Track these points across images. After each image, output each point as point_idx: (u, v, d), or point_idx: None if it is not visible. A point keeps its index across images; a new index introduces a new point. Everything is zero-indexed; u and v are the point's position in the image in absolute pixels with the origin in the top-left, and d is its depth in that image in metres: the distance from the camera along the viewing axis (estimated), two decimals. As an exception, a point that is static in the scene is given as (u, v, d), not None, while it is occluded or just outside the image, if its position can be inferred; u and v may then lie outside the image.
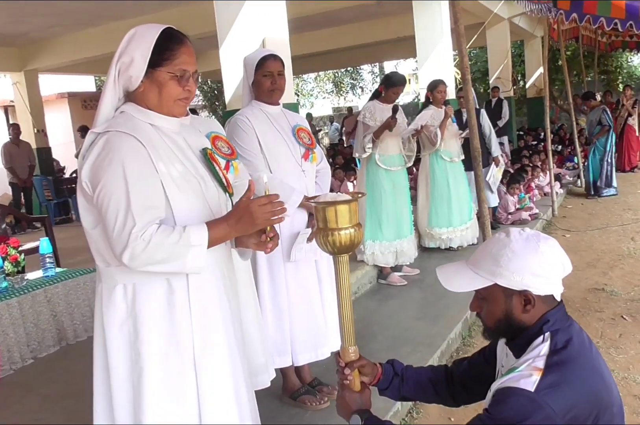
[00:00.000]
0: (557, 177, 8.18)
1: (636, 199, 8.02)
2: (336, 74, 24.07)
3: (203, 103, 20.11)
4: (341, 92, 25.05)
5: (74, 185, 10.43)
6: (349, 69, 22.61)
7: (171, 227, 1.44)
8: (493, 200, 6.27)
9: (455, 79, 6.53)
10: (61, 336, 3.75)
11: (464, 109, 5.82)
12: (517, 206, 6.59)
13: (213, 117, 21.39)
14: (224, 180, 1.67)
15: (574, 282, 4.72)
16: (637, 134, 10.41)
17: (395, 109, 4.15)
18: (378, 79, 23.64)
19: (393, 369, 1.66)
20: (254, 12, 3.51)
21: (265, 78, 2.55)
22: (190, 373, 1.54)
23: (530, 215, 6.49)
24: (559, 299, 1.42)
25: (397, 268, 4.66)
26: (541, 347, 1.34)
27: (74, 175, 10.82)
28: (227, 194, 1.72)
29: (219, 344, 1.60)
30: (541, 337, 1.37)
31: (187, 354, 1.54)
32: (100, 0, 7.11)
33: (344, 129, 13.22)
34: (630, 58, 19.49)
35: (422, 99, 7.02)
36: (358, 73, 24.20)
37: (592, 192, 8.40)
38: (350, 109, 16.70)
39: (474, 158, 2.73)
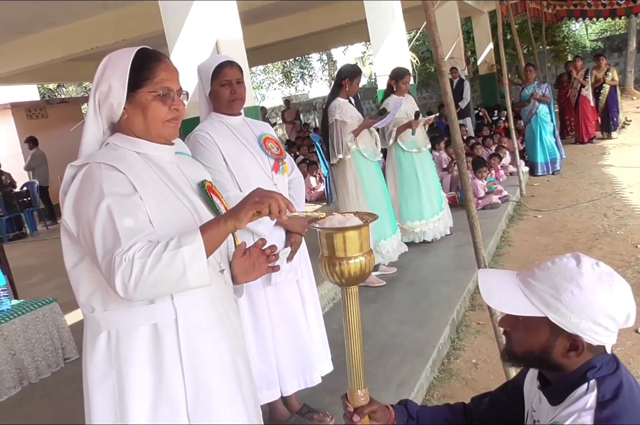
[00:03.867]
0: (521, 155, 8.07)
1: (600, 171, 8.00)
2: (285, 64, 23.77)
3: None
4: (292, 82, 24.79)
5: (25, 199, 10.03)
6: (297, 58, 22.31)
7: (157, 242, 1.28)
8: None
9: (412, 63, 6.33)
10: (22, 376, 3.46)
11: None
12: (486, 190, 6.47)
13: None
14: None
15: (554, 266, 4.61)
16: (591, 104, 10.40)
17: (382, 112, 4.00)
18: (327, 66, 23.48)
19: (407, 411, 1.48)
20: (204, 12, 3.21)
21: (223, 88, 2.30)
22: None
23: (500, 198, 6.39)
24: (609, 352, 1.22)
25: (374, 267, 4.47)
26: (587, 398, 1.14)
27: (25, 188, 10.38)
28: None
29: (216, 396, 1.41)
30: (585, 385, 1.17)
31: (180, 411, 1.37)
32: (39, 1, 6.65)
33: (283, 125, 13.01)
34: (574, 27, 19.72)
35: (378, 84, 6.83)
36: (307, 62, 23.97)
37: (552, 171, 8.25)
38: (287, 101, 16.50)
39: (457, 155, 2.52)
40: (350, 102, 4.26)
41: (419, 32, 8.24)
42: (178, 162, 1.55)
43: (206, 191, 1.53)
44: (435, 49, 2.41)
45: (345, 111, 4.16)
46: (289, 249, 2.36)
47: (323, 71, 23.57)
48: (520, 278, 1.24)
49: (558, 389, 1.21)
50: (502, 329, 1.33)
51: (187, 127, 2.49)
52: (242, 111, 2.44)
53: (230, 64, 2.30)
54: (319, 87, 25.13)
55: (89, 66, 11.33)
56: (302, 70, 24.33)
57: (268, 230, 2.31)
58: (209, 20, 3.23)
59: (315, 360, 2.52)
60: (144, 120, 1.43)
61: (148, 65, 1.43)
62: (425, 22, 6.62)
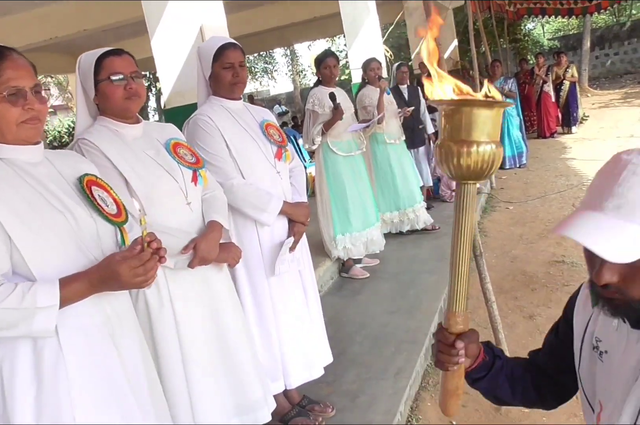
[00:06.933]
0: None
1: (564, 164, 8.19)
2: (248, 59, 23.63)
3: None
4: (255, 78, 24.62)
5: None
6: (262, 53, 22.16)
7: (12, 285, 1.25)
8: (428, 179, 6.23)
9: (386, 56, 6.34)
10: None
11: (402, 85, 5.72)
12: (459, 182, 6.52)
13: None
14: (103, 211, 1.44)
15: (531, 256, 4.70)
16: (552, 99, 10.65)
17: (332, 97, 3.93)
18: (292, 61, 23.45)
19: (492, 350, 1.25)
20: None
21: (225, 70, 2.22)
22: None
23: (473, 190, 6.45)
24: None
25: (357, 260, 4.45)
26: None
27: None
28: (113, 224, 1.46)
29: (103, 396, 1.37)
30: None
31: (65, 410, 1.31)
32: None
33: None
34: (531, 26, 20.18)
35: (353, 77, 6.84)
36: (271, 57, 23.85)
37: (519, 165, 8.41)
38: (251, 96, 16.48)
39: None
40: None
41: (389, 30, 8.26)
42: (53, 160, 1.46)
43: (83, 188, 1.44)
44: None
45: (321, 101, 4.06)
46: (292, 239, 2.32)
47: (288, 66, 23.55)
48: (616, 213, 0.88)
49: None
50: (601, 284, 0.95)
51: (184, 113, 2.42)
52: (242, 96, 2.38)
53: (233, 46, 2.24)
54: (283, 83, 25.05)
55: (48, 57, 10.93)
56: (267, 66, 24.23)
57: (272, 220, 2.27)
58: (192, 5, 3.14)
59: (317, 354, 2.50)
60: None
61: None
62: (398, 16, 6.63)
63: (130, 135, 1.84)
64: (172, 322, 1.79)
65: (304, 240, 2.49)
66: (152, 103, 21.44)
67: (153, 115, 22.91)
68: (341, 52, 20.05)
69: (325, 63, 4.06)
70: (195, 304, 1.84)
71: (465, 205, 1.03)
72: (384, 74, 5.46)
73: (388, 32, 8.96)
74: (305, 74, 24.56)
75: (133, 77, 1.80)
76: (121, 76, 1.77)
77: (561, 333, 1.23)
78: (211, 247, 1.84)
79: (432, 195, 6.56)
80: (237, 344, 1.97)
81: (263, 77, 24.77)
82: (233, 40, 2.29)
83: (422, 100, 6.02)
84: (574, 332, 1.16)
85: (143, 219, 1.30)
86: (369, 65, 4.94)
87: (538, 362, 1.29)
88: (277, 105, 18.78)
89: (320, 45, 22.83)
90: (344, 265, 4.40)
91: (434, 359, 1.16)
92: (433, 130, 6.67)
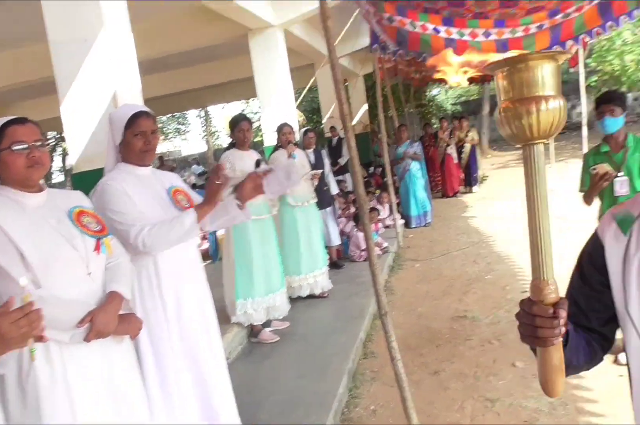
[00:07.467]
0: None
1: (465, 222, 8.64)
2: (161, 120, 23.69)
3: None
4: (168, 138, 24.61)
5: None
6: (175, 114, 22.30)
7: None
8: (337, 239, 6.39)
9: (298, 121, 6.60)
10: None
11: (308, 150, 5.96)
12: (368, 241, 6.72)
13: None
14: None
15: (436, 312, 4.88)
16: (455, 161, 11.34)
17: (257, 163, 4.05)
18: (205, 122, 23.72)
19: None
20: (101, 60, 3.12)
21: (136, 138, 2.26)
22: None
23: (381, 249, 6.68)
24: None
25: (266, 323, 4.45)
26: None
27: None
28: None
29: None
30: None
31: None
32: None
33: None
34: (435, 92, 21.57)
35: (265, 140, 7.05)
36: (185, 118, 24.00)
37: (425, 223, 8.80)
38: (161, 157, 16.62)
39: (361, 206, 2.64)
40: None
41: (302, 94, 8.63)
42: None
43: None
44: (340, 106, 2.54)
45: (233, 164, 4.15)
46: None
47: (202, 127, 23.79)
48: None
49: None
50: None
51: (93, 177, 2.42)
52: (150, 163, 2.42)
53: (146, 115, 2.29)
54: (196, 143, 25.29)
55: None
56: (180, 126, 24.32)
57: (197, 230, 2.29)
58: (107, 68, 3.16)
59: (226, 422, 2.47)
60: None
61: None
62: (310, 82, 6.95)
63: (32, 204, 1.83)
64: (65, 399, 1.72)
65: (210, 303, 2.51)
66: (57, 163, 20.93)
67: (58, 176, 22.31)
68: (256, 114, 20.51)
69: (239, 127, 4.20)
70: (93, 379, 1.79)
71: (536, 168, 1.01)
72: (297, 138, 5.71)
73: (302, 97, 9.34)
74: (218, 135, 24.86)
75: (37, 145, 1.79)
76: (25, 145, 1.77)
77: (588, 276, 1.22)
78: (109, 320, 1.81)
79: (342, 256, 6.72)
80: (137, 420, 1.93)
81: (175, 137, 24.88)
82: (146, 108, 2.34)
83: (326, 163, 6.28)
84: (609, 265, 1.17)
85: (27, 296, 1.28)
86: (282, 130, 5.18)
87: (580, 322, 1.24)
88: (196, 165, 18.80)
89: (234, 107, 23.38)
90: (253, 330, 4.38)
91: (529, 340, 1.07)
92: (337, 191, 6.94)
